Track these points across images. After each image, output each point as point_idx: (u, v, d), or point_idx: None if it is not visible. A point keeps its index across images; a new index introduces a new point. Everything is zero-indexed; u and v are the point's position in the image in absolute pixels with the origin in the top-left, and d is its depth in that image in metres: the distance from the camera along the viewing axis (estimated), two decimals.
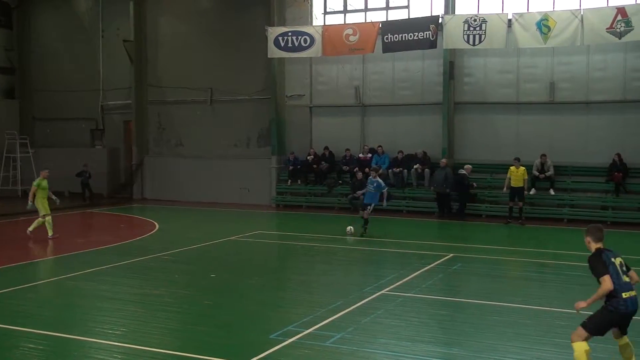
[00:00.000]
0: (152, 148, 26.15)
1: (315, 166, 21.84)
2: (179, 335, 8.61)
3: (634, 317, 6.21)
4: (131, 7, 25.20)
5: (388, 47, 19.67)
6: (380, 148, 20.96)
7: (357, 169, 20.17)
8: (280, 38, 20.87)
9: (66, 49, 27.56)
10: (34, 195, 16.03)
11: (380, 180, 15.76)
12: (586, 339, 6.17)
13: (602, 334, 6.28)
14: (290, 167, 22.10)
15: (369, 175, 16.38)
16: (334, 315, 8.98)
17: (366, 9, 21.96)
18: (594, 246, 6.32)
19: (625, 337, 6.34)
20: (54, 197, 16.57)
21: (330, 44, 20.32)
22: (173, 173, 25.13)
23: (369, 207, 15.62)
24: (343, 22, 21.82)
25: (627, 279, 6.18)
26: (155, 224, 18.84)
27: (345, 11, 22.34)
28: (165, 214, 21.62)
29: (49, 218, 16.01)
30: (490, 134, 20.14)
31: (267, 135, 23.50)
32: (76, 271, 12.38)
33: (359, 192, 16.81)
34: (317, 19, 22.61)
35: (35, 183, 16.13)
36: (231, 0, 24.05)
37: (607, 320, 6.21)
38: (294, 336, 8.03)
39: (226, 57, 23.99)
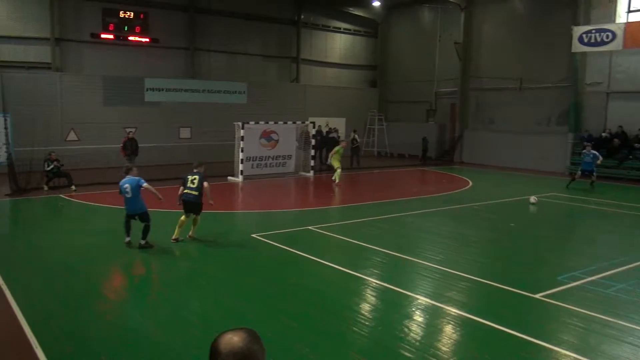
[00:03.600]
0: (470, 124, 27.93)
1: (608, 142, 21.54)
2: (481, 266, 8.98)
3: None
4: (462, 17, 27.31)
5: None
6: None
7: None
8: (584, 35, 21.00)
9: (411, 50, 30.79)
10: (333, 155, 18.99)
11: None
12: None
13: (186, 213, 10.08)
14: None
15: None
16: (617, 268, 8.58)
17: None
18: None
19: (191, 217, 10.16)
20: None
21: (631, 39, 19.80)
22: (485, 143, 26.72)
23: None
24: None
25: (192, 185, 9.90)
26: (469, 181, 20.16)
27: None
28: (477, 175, 22.38)
29: (339, 171, 18.80)
30: None
31: (564, 116, 23.63)
32: (410, 211, 13.89)
33: None
34: (621, 17, 21.62)
35: (336, 149, 19.12)
36: (541, 6, 24.26)
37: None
38: (578, 280, 7.94)
39: (533, 53, 24.47)
